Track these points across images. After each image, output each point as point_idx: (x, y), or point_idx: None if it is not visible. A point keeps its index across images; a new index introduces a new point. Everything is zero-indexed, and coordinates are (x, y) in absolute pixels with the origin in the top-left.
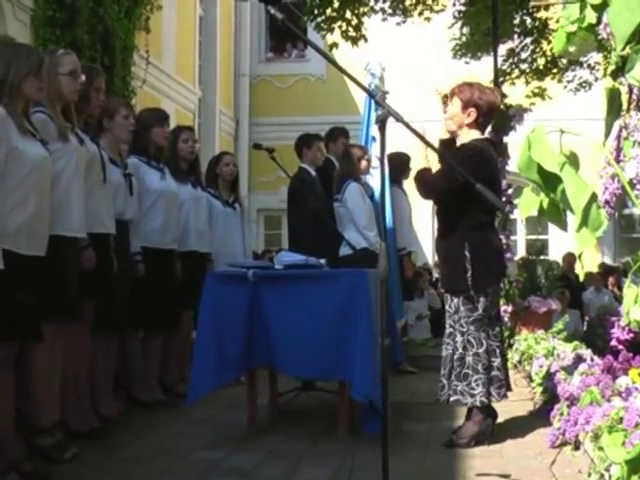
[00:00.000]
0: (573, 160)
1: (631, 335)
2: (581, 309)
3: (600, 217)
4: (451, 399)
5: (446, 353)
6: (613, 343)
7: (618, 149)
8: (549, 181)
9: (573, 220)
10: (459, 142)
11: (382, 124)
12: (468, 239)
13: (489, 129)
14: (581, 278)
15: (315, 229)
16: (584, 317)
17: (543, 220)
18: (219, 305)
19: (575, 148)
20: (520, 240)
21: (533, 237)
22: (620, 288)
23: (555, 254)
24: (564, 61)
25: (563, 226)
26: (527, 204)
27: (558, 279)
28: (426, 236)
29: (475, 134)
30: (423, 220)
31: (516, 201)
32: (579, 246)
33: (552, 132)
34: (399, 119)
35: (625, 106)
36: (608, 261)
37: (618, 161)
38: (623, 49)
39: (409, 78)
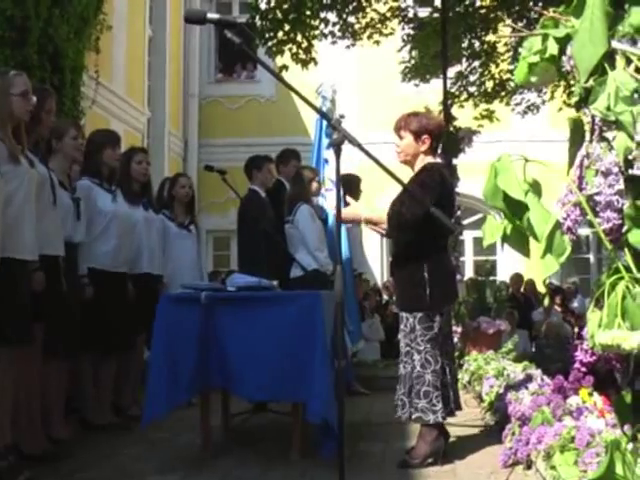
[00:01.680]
0: (536, 188)
1: (594, 358)
2: (530, 329)
3: (564, 243)
4: (413, 416)
5: (404, 371)
6: (576, 366)
7: (580, 177)
8: (514, 208)
9: (534, 247)
10: (415, 169)
11: (338, 148)
12: (427, 261)
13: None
14: (546, 303)
15: (266, 251)
16: (533, 337)
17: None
18: (172, 327)
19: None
20: (468, 261)
21: (481, 258)
22: (567, 309)
23: (503, 275)
24: (512, 84)
25: (526, 252)
26: (491, 231)
27: (507, 300)
28: (375, 257)
29: (430, 159)
30: (372, 241)
31: (465, 222)
32: (544, 272)
33: (516, 160)
34: (355, 143)
35: (588, 136)
36: (554, 281)
37: (580, 189)
38: (586, 81)
39: (360, 100)
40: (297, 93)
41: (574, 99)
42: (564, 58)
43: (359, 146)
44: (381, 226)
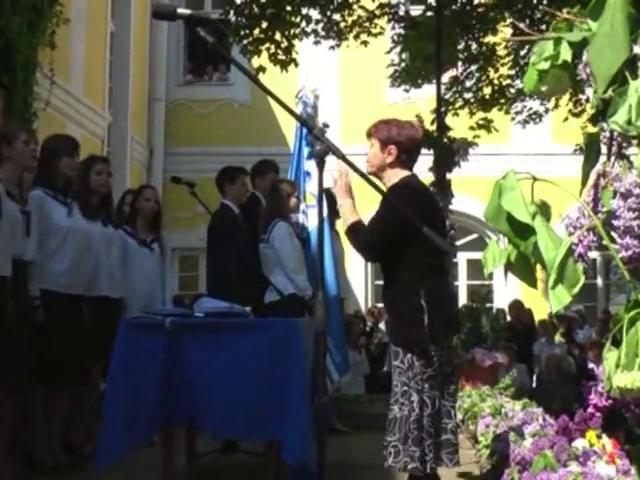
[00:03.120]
0: (545, 210)
1: (610, 402)
2: (530, 362)
3: (577, 272)
4: (409, 467)
5: (400, 414)
6: (590, 410)
7: (596, 199)
8: (520, 232)
9: (540, 276)
10: (386, 184)
11: (321, 160)
12: (422, 286)
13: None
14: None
15: (238, 272)
16: (533, 371)
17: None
18: (133, 356)
19: (545, 195)
20: (462, 286)
21: (477, 283)
22: (572, 340)
23: (501, 301)
24: (512, 90)
25: (532, 282)
26: (493, 257)
27: (504, 329)
28: (358, 280)
29: (401, 173)
30: (355, 263)
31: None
32: (554, 304)
33: (523, 179)
34: (339, 155)
35: (605, 153)
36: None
37: (595, 212)
38: (605, 91)
39: (345, 107)
40: (275, 98)
41: (590, 111)
42: (580, 65)
43: (344, 158)
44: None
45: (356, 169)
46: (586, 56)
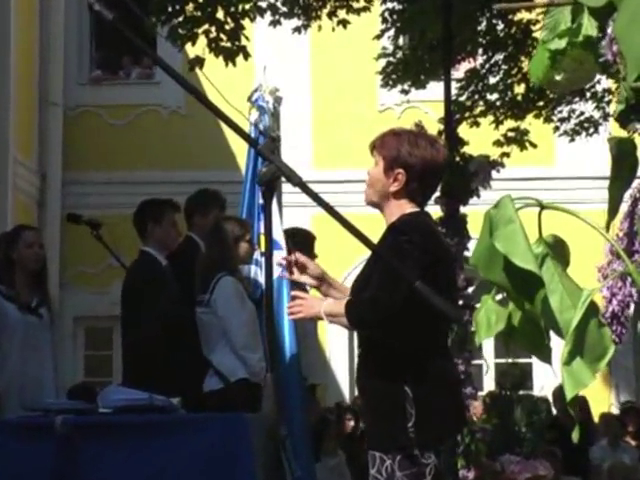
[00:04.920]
0: (559, 250)
1: None
2: (585, 475)
3: (604, 340)
4: None
5: None
6: None
7: (630, 234)
8: (522, 284)
9: (560, 346)
10: (386, 220)
11: (268, 187)
12: (409, 369)
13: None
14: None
15: (165, 349)
16: None
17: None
18: (10, 469)
19: (565, 230)
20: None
21: (507, 361)
22: None
23: (542, 387)
24: None
25: (545, 355)
26: (487, 320)
27: (547, 427)
28: (340, 360)
29: (407, 206)
30: (337, 335)
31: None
32: (570, 388)
33: (527, 207)
34: (295, 181)
35: None
36: (627, 397)
37: (632, 252)
38: (638, 79)
39: (318, 115)
40: (207, 104)
41: (618, 107)
42: (604, 42)
43: (300, 185)
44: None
45: (321, 202)
46: (612, 28)
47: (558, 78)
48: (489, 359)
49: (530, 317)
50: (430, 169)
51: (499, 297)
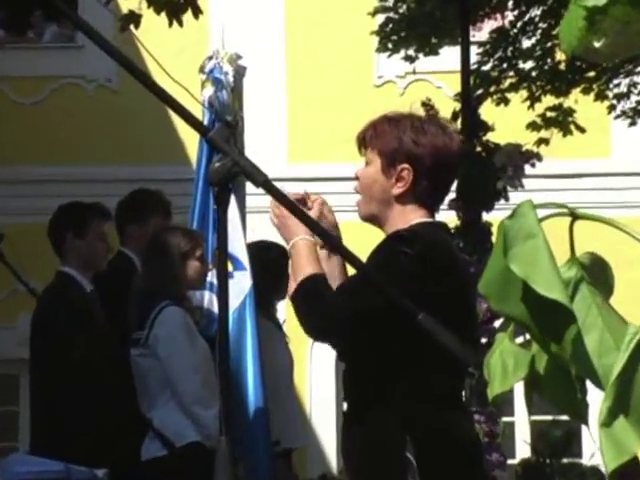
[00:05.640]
0: (598, 274)
1: None
2: None
3: None
4: None
5: None
6: None
7: None
8: (547, 318)
9: (598, 400)
10: (387, 232)
11: (222, 188)
12: (412, 424)
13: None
14: None
15: (87, 405)
16: None
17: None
18: None
19: (608, 247)
20: (520, 424)
21: (545, 417)
22: None
23: (592, 453)
24: None
25: (578, 413)
26: (503, 366)
27: None
28: (326, 417)
29: (414, 215)
30: (320, 384)
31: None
32: (611, 456)
33: (554, 216)
34: (259, 180)
35: None
36: None
37: None
38: None
39: (295, 91)
40: (141, 77)
41: None
42: None
43: (266, 185)
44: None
45: (296, 209)
46: None
47: (597, 45)
48: (522, 415)
49: (559, 362)
50: (443, 161)
51: (520, 338)
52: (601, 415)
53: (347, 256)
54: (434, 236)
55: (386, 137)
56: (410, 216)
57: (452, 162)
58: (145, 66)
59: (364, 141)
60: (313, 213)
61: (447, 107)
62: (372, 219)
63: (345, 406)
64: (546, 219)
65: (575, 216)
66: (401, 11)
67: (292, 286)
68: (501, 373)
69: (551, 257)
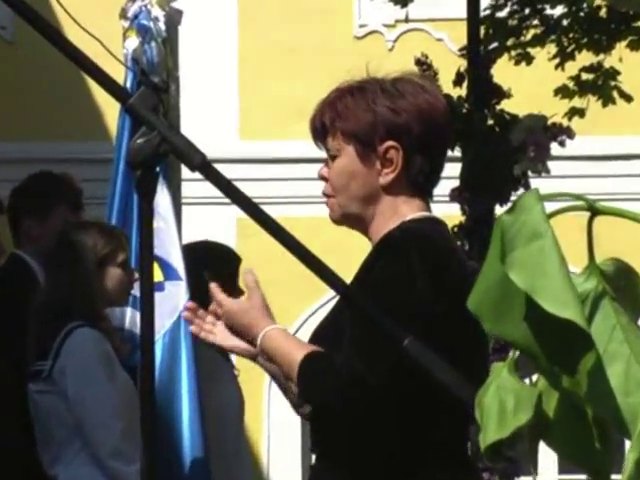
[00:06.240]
0: (625, 286)
1: None
2: None
3: None
4: None
5: None
6: None
7: None
8: (558, 344)
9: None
10: (373, 238)
11: (145, 173)
12: None
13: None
14: None
15: None
16: None
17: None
18: None
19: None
20: None
21: (573, 478)
22: None
23: None
24: None
25: (597, 467)
26: (500, 407)
27: None
28: (288, 473)
29: (407, 207)
30: (281, 430)
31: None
32: None
33: (567, 211)
34: (192, 160)
35: None
36: None
37: None
38: None
39: (245, 43)
40: (41, 26)
41: None
42: None
43: (203, 168)
44: (288, 380)
45: (248, 205)
46: None
47: None
48: (548, 473)
49: (572, 401)
50: (433, 126)
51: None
52: (626, 470)
53: (336, 284)
54: (440, 239)
55: (353, 113)
56: (402, 209)
57: (443, 127)
58: (51, 10)
59: (323, 128)
60: (253, 301)
61: (449, 66)
62: (350, 221)
63: (314, 459)
64: (557, 215)
65: (595, 211)
66: None
67: (290, 370)
68: (497, 415)
69: (562, 264)
